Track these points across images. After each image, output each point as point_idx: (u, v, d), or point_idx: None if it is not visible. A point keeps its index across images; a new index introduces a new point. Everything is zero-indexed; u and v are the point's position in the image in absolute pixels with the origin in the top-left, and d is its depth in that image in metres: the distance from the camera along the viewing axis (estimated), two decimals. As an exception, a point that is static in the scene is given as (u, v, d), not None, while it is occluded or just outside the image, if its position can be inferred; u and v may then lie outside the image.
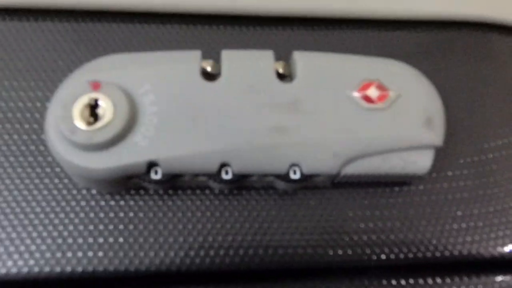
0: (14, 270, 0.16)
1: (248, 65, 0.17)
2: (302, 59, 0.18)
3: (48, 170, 0.18)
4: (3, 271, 0.16)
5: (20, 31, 0.19)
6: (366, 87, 0.17)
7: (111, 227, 0.17)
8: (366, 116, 0.17)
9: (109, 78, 0.16)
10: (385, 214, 0.18)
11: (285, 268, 0.17)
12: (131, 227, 0.17)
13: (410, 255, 0.18)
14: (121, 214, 0.17)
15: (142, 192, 0.18)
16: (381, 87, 0.17)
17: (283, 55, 0.18)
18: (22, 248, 0.17)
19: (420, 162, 0.17)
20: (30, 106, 0.18)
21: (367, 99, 0.17)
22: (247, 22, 0.21)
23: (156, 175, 0.16)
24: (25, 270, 0.16)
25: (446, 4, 0.21)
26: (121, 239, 0.17)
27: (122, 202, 0.17)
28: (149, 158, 0.16)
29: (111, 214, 0.17)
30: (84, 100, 0.16)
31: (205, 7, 0.20)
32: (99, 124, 0.15)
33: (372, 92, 0.17)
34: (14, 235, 0.17)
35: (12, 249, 0.16)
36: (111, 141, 0.15)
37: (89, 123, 0.15)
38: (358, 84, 0.17)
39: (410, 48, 0.21)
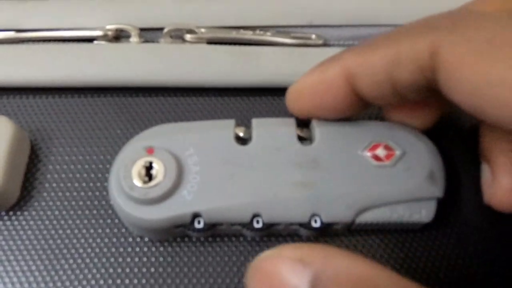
0: None
1: (274, 130, 0.21)
2: (319, 125, 0.21)
3: (108, 221, 0.21)
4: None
5: (86, 107, 0.24)
6: (375, 147, 0.20)
7: (160, 269, 0.20)
8: (376, 173, 0.20)
9: (160, 144, 0.20)
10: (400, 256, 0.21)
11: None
12: (177, 269, 0.20)
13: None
14: (169, 259, 0.20)
15: (186, 239, 0.21)
16: (388, 147, 0.20)
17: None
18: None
19: (424, 212, 0.20)
20: (94, 167, 0.22)
21: (376, 158, 0.20)
22: (273, 93, 0.24)
23: (199, 225, 0.19)
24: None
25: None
26: (169, 280, 0.20)
27: (169, 249, 0.20)
28: (193, 210, 0.19)
29: (161, 259, 0.20)
30: (141, 163, 0.19)
31: (237, 81, 0.24)
32: (152, 182, 0.19)
33: (380, 151, 0.20)
34: (81, 276, 0.20)
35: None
36: (162, 196, 0.19)
37: (145, 182, 0.19)
38: (368, 145, 0.20)
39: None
